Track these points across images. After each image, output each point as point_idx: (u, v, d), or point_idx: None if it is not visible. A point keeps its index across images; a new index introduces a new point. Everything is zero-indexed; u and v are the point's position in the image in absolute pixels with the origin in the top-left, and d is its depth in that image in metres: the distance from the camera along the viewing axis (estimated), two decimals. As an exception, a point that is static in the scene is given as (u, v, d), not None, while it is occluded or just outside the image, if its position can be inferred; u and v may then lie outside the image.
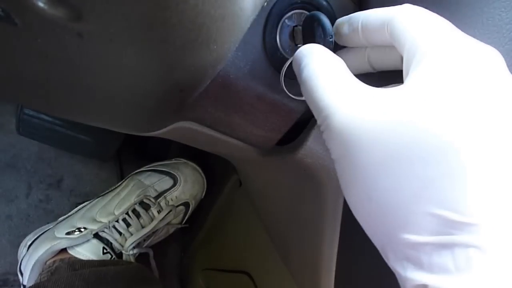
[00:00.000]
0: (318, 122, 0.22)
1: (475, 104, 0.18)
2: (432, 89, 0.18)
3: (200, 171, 0.78)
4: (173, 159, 0.79)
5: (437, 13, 0.23)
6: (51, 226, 0.72)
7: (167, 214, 0.72)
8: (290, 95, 0.30)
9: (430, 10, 0.23)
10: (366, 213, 0.20)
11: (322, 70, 0.22)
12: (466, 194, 0.17)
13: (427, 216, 0.18)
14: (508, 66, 0.22)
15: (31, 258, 0.68)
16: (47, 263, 0.67)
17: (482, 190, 0.17)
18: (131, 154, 0.89)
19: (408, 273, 0.19)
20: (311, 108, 0.22)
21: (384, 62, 0.26)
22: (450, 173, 0.17)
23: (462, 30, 0.24)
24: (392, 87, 0.20)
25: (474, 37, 0.23)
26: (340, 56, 0.23)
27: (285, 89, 0.29)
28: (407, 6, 0.22)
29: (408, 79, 0.20)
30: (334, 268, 0.40)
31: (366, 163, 0.19)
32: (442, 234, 0.17)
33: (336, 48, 0.27)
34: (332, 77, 0.21)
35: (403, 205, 0.18)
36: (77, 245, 0.67)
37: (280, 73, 0.30)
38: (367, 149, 0.19)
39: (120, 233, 0.69)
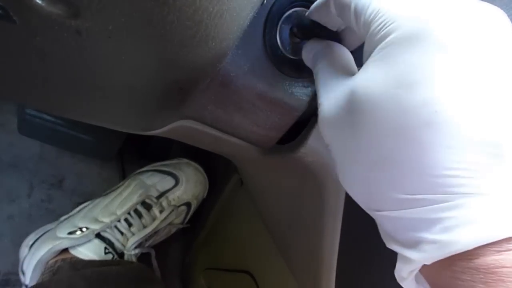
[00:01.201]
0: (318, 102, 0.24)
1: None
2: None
3: (202, 171, 0.78)
4: (175, 159, 0.79)
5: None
6: (53, 226, 0.72)
7: (169, 214, 0.72)
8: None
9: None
10: (351, 191, 0.22)
11: (325, 68, 0.25)
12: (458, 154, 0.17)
13: (380, 195, 0.19)
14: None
15: (33, 258, 0.68)
16: (49, 263, 0.67)
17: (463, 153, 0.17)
18: (133, 154, 0.89)
19: (385, 239, 0.21)
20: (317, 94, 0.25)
21: None
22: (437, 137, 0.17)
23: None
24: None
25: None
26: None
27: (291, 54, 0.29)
28: None
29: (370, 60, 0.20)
30: (335, 267, 0.40)
31: (339, 148, 0.22)
32: (398, 209, 0.19)
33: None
34: (328, 74, 0.24)
35: (363, 186, 0.20)
36: (79, 245, 0.67)
37: (280, 70, 0.30)
38: (337, 137, 0.22)
39: (122, 233, 0.69)
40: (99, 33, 0.19)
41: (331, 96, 0.22)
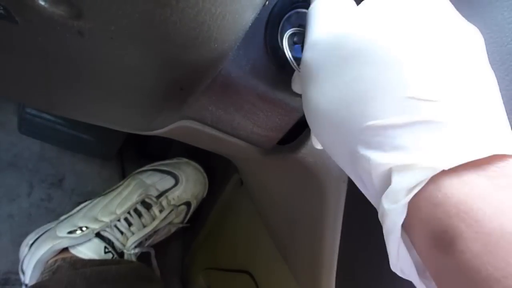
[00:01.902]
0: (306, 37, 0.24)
1: (414, 22, 0.19)
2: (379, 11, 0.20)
3: (202, 170, 0.78)
4: (175, 159, 0.79)
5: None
6: (53, 225, 0.72)
7: (169, 213, 0.72)
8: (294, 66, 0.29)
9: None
10: (327, 117, 0.21)
11: (322, 3, 0.24)
12: (410, 76, 0.18)
13: (387, 100, 0.18)
14: (509, 65, 0.22)
15: (33, 257, 0.68)
16: (49, 262, 0.67)
17: (423, 73, 0.18)
18: (133, 153, 0.89)
19: (372, 162, 0.19)
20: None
21: None
22: (395, 65, 0.18)
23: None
24: None
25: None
26: None
27: (294, 64, 0.29)
28: None
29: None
30: (335, 267, 0.40)
31: (331, 64, 0.21)
32: (402, 115, 0.18)
33: None
34: (324, 8, 0.24)
35: (364, 94, 0.19)
36: (78, 244, 0.67)
37: (281, 71, 0.30)
38: (328, 53, 0.21)
39: (122, 233, 0.69)
40: (101, 34, 0.19)
41: (334, 24, 0.22)
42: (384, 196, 0.18)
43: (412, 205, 0.18)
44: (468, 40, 0.19)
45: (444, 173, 0.17)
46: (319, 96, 0.21)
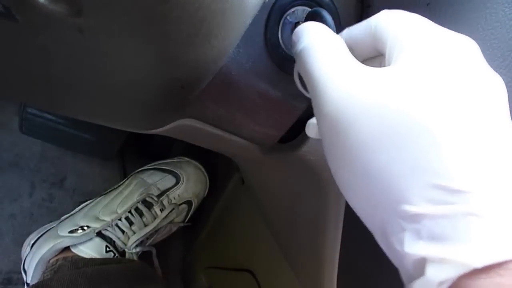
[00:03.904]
0: (310, 96, 0.22)
1: (448, 89, 0.19)
2: (412, 76, 0.19)
3: (203, 169, 0.78)
4: (176, 158, 0.79)
5: (440, 9, 0.23)
6: (54, 225, 0.72)
7: (170, 212, 0.72)
8: (305, 93, 0.29)
9: (433, 5, 0.23)
10: (362, 191, 0.20)
11: (319, 43, 0.22)
12: (450, 164, 0.18)
13: (424, 187, 0.18)
14: (510, 61, 0.22)
15: (35, 257, 0.68)
16: (50, 261, 0.67)
17: (463, 159, 0.18)
18: (134, 152, 0.89)
19: (406, 247, 0.18)
20: (305, 82, 0.23)
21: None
22: (432, 148, 0.18)
23: (465, 26, 0.24)
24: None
25: (477, 33, 0.23)
26: None
27: (302, 90, 0.29)
28: (385, 11, 0.23)
29: (393, 64, 0.21)
30: (336, 266, 0.40)
31: (361, 140, 0.19)
32: (440, 204, 0.18)
33: None
34: (328, 50, 0.22)
35: (401, 177, 0.18)
36: (80, 244, 0.67)
37: (281, 69, 0.30)
38: (360, 126, 0.19)
39: (123, 232, 0.69)
40: (102, 32, 0.19)
41: (356, 79, 0.20)
42: (416, 284, 0.18)
43: None
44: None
45: (476, 271, 0.17)
46: (348, 171, 0.21)
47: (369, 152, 0.19)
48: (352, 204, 0.22)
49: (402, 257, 0.19)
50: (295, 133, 0.35)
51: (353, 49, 0.24)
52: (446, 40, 0.20)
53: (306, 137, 0.34)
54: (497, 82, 0.20)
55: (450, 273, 0.17)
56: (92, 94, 0.27)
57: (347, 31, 0.25)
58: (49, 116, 0.70)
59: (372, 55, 0.24)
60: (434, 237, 0.18)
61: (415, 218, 0.18)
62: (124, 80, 0.24)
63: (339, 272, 0.41)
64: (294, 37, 0.24)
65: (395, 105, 0.19)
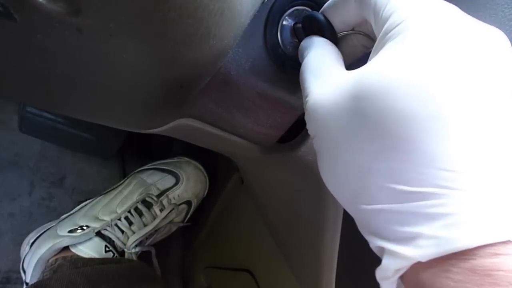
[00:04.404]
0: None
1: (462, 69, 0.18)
2: (413, 58, 0.18)
3: (203, 169, 0.78)
4: (176, 158, 0.79)
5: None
6: (54, 224, 0.72)
7: (169, 212, 0.72)
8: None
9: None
10: (335, 186, 0.22)
11: (314, 59, 0.25)
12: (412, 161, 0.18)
13: (378, 186, 0.19)
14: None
15: (34, 256, 0.68)
16: (50, 261, 0.67)
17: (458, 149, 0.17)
18: (133, 152, 0.89)
19: (366, 236, 0.21)
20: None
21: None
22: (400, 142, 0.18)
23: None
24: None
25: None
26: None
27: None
28: None
29: (395, 44, 0.19)
30: (335, 265, 0.40)
31: (330, 139, 0.21)
32: (394, 203, 0.18)
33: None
34: (318, 64, 0.24)
35: (358, 176, 0.20)
36: (79, 243, 0.67)
37: (280, 69, 0.29)
38: (331, 126, 0.21)
39: (122, 231, 0.69)
40: (100, 31, 0.19)
41: (327, 83, 0.22)
42: (377, 270, 0.20)
43: (403, 278, 0.19)
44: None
45: (421, 263, 0.17)
46: (328, 168, 0.23)
47: (336, 151, 0.21)
48: (332, 193, 0.23)
49: (369, 243, 0.21)
50: (294, 133, 0.35)
51: (338, 15, 0.26)
52: (469, 31, 0.19)
53: (305, 137, 0.34)
54: None
55: (401, 263, 0.18)
56: (90, 93, 0.27)
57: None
58: (49, 115, 0.70)
59: (357, 21, 0.26)
60: (386, 233, 0.19)
61: (371, 215, 0.19)
62: (123, 79, 0.24)
63: (338, 272, 0.41)
64: (300, 50, 0.27)
65: (387, 91, 0.18)
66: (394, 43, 0.19)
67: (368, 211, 0.20)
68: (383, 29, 0.20)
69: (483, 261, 0.16)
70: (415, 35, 0.18)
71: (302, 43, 0.27)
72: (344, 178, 0.21)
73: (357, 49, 0.27)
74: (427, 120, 0.17)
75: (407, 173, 0.18)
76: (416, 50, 0.18)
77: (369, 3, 0.22)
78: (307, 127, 0.24)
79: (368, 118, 0.19)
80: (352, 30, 0.26)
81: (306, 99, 0.23)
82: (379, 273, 0.19)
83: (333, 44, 0.26)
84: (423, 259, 0.17)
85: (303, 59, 0.26)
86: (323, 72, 0.23)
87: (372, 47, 0.22)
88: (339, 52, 0.25)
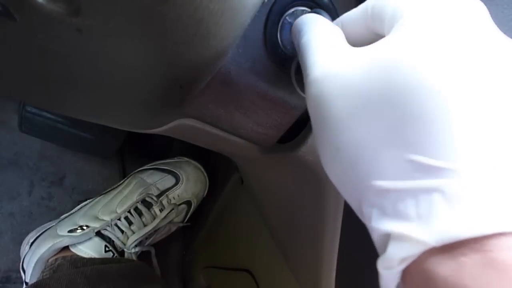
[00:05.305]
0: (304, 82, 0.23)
1: (451, 51, 0.17)
2: (415, 36, 0.18)
3: (202, 169, 0.78)
4: (175, 158, 0.79)
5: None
6: (53, 224, 0.72)
7: (169, 212, 0.72)
8: (301, 92, 0.30)
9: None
10: (336, 165, 0.20)
11: (317, 35, 0.23)
12: (447, 137, 0.16)
13: (394, 160, 0.17)
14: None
15: (34, 256, 0.68)
16: (49, 260, 0.67)
17: (464, 134, 0.16)
18: (133, 152, 0.89)
19: (372, 222, 0.18)
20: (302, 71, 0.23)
21: None
22: (410, 122, 0.17)
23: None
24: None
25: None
26: None
27: (298, 89, 0.29)
28: None
29: (392, 33, 0.19)
30: (335, 265, 0.40)
31: (338, 114, 0.19)
32: (409, 179, 0.17)
33: None
34: (323, 40, 0.22)
35: (370, 151, 0.18)
36: (79, 243, 0.67)
37: (280, 69, 0.29)
38: (337, 100, 0.19)
39: (122, 231, 0.69)
40: (100, 31, 0.19)
41: (340, 55, 0.20)
42: (380, 260, 0.18)
43: (407, 272, 0.17)
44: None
45: (435, 249, 0.16)
46: (327, 147, 0.21)
47: (344, 128, 0.19)
48: (329, 175, 0.22)
49: (372, 232, 0.19)
50: (294, 133, 0.35)
51: (348, 32, 0.24)
52: (449, 2, 0.19)
53: (305, 138, 0.34)
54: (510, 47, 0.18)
55: (411, 250, 0.16)
56: (90, 93, 0.27)
57: (342, 16, 0.25)
58: (49, 115, 0.70)
59: (368, 38, 0.24)
60: (397, 213, 0.17)
61: (383, 193, 0.18)
62: (123, 79, 0.24)
63: (337, 271, 0.41)
64: (294, 28, 0.25)
65: (385, 66, 0.18)
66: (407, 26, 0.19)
67: (377, 189, 0.18)
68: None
69: (501, 254, 0.15)
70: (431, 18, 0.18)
71: (297, 20, 0.25)
72: (353, 153, 0.19)
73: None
74: (456, 94, 0.16)
75: (430, 146, 0.16)
76: (434, 32, 0.18)
77: (383, 19, 0.21)
78: (307, 104, 0.22)
79: (393, 89, 0.17)
80: None
81: (312, 70, 0.21)
82: (382, 263, 0.18)
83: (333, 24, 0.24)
84: (437, 244, 0.16)
85: (302, 36, 0.24)
86: (335, 44, 0.21)
87: None
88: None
